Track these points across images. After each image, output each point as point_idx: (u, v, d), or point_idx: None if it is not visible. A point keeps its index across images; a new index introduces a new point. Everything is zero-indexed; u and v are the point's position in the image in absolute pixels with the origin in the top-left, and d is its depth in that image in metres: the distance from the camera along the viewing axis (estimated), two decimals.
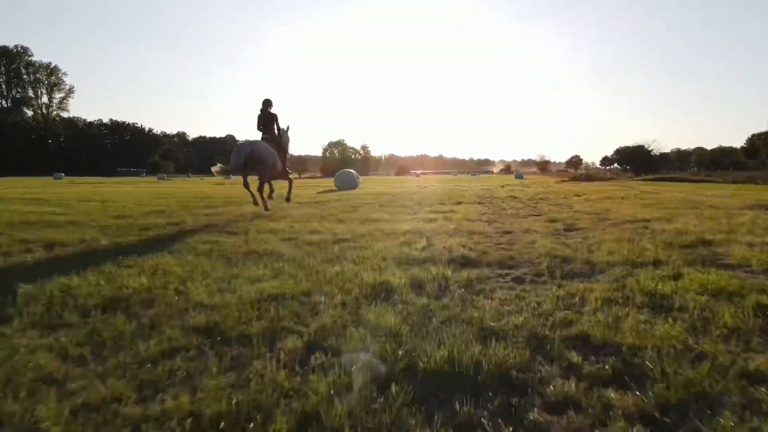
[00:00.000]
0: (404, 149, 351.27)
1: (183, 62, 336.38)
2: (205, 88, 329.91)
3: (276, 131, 9.38)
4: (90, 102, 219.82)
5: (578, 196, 15.08)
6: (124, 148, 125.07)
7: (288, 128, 9.94)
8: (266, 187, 9.08)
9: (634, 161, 49.15)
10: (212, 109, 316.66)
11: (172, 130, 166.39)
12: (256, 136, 9.34)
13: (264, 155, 8.51)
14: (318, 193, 19.24)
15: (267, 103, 9.32)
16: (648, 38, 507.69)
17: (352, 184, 23.22)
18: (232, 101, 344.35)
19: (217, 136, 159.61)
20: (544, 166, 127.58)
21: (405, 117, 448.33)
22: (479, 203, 12.06)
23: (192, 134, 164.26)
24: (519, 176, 60.58)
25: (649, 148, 47.47)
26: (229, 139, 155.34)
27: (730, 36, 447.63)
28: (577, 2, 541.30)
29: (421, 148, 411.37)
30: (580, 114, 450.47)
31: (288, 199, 10.22)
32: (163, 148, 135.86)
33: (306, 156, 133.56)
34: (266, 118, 9.28)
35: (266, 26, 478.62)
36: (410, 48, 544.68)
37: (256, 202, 8.80)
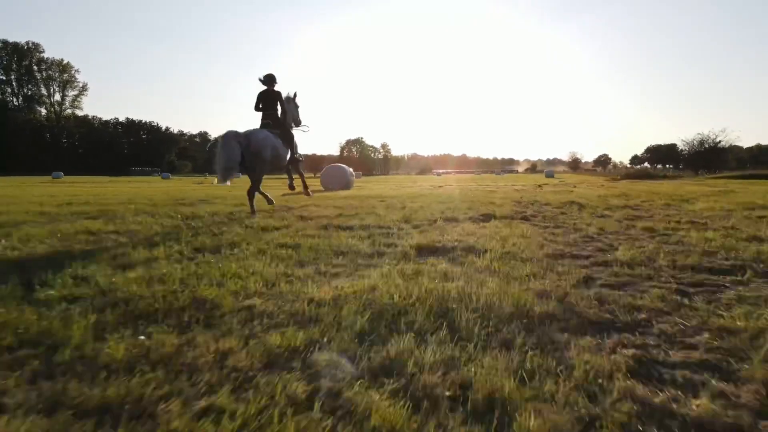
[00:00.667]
0: (427, 149, 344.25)
1: (205, 62, 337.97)
2: (227, 88, 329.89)
3: (280, 114, 7.51)
4: (113, 102, 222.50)
5: (686, 201, 9.07)
6: (140, 148, 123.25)
7: (295, 95, 8.00)
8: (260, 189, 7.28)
9: (698, 159, 41.44)
10: (233, 108, 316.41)
11: (193, 130, 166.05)
12: (255, 118, 7.88)
13: (263, 147, 6.55)
14: (284, 195, 13.71)
15: (269, 80, 7.46)
16: (669, 38, 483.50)
17: (343, 183, 17.65)
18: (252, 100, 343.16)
19: None
20: (575, 164, 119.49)
21: (428, 116, 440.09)
22: (525, 218, 6.27)
23: (214, 134, 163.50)
24: (550, 174, 54.11)
25: (717, 141, 39.87)
26: None
27: (757, 34, 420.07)
28: (596, 5, 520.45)
29: (444, 147, 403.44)
30: (601, 113, 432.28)
31: (306, 193, 8.77)
32: (178, 147, 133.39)
33: (329, 156, 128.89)
34: (268, 97, 7.44)
35: (291, 25, 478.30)
36: (434, 47, 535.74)
37: (253, 210, 6.83)
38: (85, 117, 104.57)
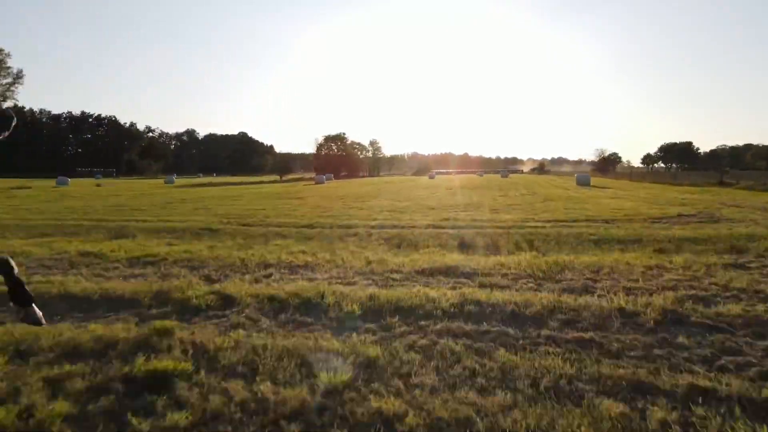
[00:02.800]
0: (428, 148, 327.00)
1: (203, 59, 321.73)
2: (217, 85, 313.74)
3: None
4: (96, 98, 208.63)
5: None
6: (94, 145, 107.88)
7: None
8: None
9: None
10: (223, 106, 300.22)
11: (180, 128, 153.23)
12: None
13: None
14: None
15: None
16: (670, 37, 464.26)
17: None
18: (246, 97, 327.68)
19: (230, 133, 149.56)
20: (604, 165, 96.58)
21: (429, 115, 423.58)
22: None
23: (203, 132, 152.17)
24: (584, 181, 37.60)
25: None
26: (241, 137, 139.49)
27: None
28: (596, 5, 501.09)
29: (445, 146, 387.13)
30: (601, 113, 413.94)
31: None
32: (141, 144, 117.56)
33: (301, 154, 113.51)
34: None
35: (291, 25, 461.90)
36: (434, 47, 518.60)
37: None
38: (20, 109, 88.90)
